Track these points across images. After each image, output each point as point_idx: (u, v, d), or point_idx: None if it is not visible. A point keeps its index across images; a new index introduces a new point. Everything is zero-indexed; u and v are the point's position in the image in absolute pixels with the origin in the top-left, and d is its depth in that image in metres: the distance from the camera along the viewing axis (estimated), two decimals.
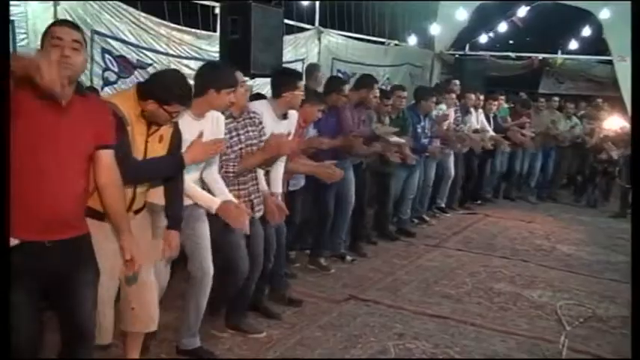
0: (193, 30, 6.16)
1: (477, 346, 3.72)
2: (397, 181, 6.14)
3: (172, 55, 5.84)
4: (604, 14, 9.22)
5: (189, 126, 2.94)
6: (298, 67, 7.41)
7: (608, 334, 4.04)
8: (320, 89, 5.16)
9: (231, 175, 3.35)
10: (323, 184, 4.56)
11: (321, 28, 8.05)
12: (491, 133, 7.64)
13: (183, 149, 2.85)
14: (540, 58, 11.12)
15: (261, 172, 3.63)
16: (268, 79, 4.60)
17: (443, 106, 7.00)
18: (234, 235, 3.36)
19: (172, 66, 5.59)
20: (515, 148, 8.22)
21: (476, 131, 7.46)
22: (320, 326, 3.89)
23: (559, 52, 11.18)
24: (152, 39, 5.67)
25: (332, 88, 4.94)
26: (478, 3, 10.25)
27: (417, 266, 5.34)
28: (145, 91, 2.62)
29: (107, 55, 5.30)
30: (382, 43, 9.79)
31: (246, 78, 3.73)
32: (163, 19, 5.88)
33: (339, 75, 7.80)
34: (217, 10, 5.96)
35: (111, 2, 5.26)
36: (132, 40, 5.48)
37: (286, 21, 6.29)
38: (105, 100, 2.68)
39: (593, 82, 11.26)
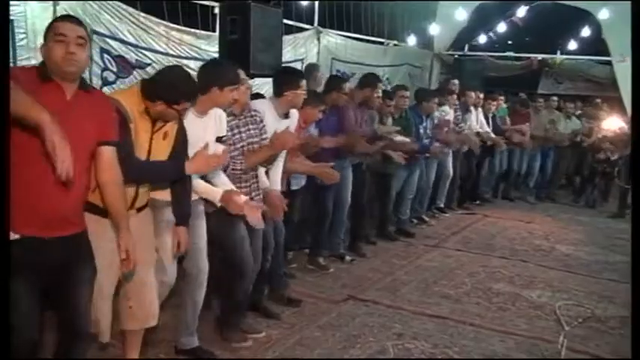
0: (193, 30, 6.15)
1: (476, 346, 3.73)
2: (397, 181, 6.14)
3: (172, 55, 5.82)
4: (603, 14, 9.21)
5: (193, 123, 2.95)
6: (297, 67, 7.40)
7: (607, 335, 4.04)
8: (319, 89, 5.16)
9: (239, 172, 3.36)
10: (322, 184, 4.56)
11: (320, 29, 8.04)
12: (491, 133, 7.65)
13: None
14: (539, 58, 11.11)
15: (262, 171, 3.63)
16: (267, 79, 4.62)
17: (446, 108, 7.01)
18: (237, 231, 3.37)
19: None
20: (514, 147, 8.23)
21: (477, 134, 7.48)
22: (319, 326, 3.90)
23: (558, 52, 11.17)
24: (151, 39, 5.66)
25: (332, 86, 4.94)
26: (477, 3, 10.23)
27: (416, 266, 5.35)
28: (152, 92, 2.61)
29: (106, 55, 5.29)
30: (381, 43, 9.78)
31: (246, 77, 3.73)
32: (163, 19, 5.86)
33: (345, 77, 7.78)
34: (217, 10, 5.96)
35: (110, 2, 5.24)
36: (131, 40, 5.47)
37: (285, 21, 6.28)
38: (108, 96, 2.68)
39: (592, 82, 11.24)
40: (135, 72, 5.50)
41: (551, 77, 12.15)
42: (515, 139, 8.03)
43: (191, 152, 2.90)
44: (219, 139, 3.18)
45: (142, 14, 5.59)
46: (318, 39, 8.00)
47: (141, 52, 5.56)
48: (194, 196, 3.10)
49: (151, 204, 2.91)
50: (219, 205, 3.13)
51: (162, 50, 5.76)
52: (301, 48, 7.68)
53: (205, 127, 3.08)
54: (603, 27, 9.50)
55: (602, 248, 6.35)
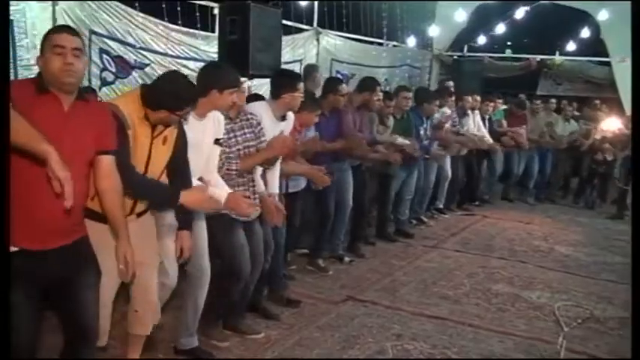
0: (192, 30, 6.16)
1: (475, 347, 3.72)
2: (396, 181, 6.15)
3: (171, 56, 5.83)
4: (602, 15, 9.23)
5: (192, 126, 2.95)
6: (296, 67, 7.40)
7: (606, 335, 4.04)
8: (318, 90, 5.16)
9: (234, 172, 3.35)
10: (316, 188, 4.55)
11: (320, 29, 8.05)
12: (487, 135, 7.65)
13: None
14: (538, 59, 11.12)
15: (258, 174, 3.62)
16: (266, 80, 4.61)
17: (446, 109, 7.02)
18: (237, 237, 3.37)
19: (171, 67, 5.59)
20: (511, 149, 8.24)
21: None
22: (318, 327, 3.89)
23: (557, 53, 11.18)
24: (150, 39, 5.66)
25: (329, 88, 4.93)
26: (476, 4, 10.25)
27: (415, 267, 5.34)
28: (153, 101, 2.60)
29: (105, 56, 5.29)
30: (381, 44, 9.80)
31: (244, 79, 3.72)
32: (162, 19, 5.87)
33: (338, 76, 7.79)
34: (216, 11, 5.96)
35: (109, 2, 5.25)
36: (130, 40, 5.47)
37: (284, 22, 6.28)
38: (106, 103, 2.67)
39: (591, 83, 11.26)
40: (134, 72, 5.50)
41: (550, 78, 12.18)
42: (509, 143, 8.05)
43: (191, 155, 2.89)
44: (217, 142, 3.18)
45: (141, 14, 5.60)
46: (318, 40, 8.01)
47: (140, 53, 5.57)
48: None
49: (153, 208, 2.91)
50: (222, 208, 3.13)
51: (161, 51, 5.77)
52: (300, 49, 7.68)
53: (204, 130, 3.08)
54: (602, 28, 9.53)
55: (601, 249, 6.35)
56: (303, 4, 7.94)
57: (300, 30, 7.82)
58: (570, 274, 5.36)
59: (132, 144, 2.56)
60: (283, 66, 5.42)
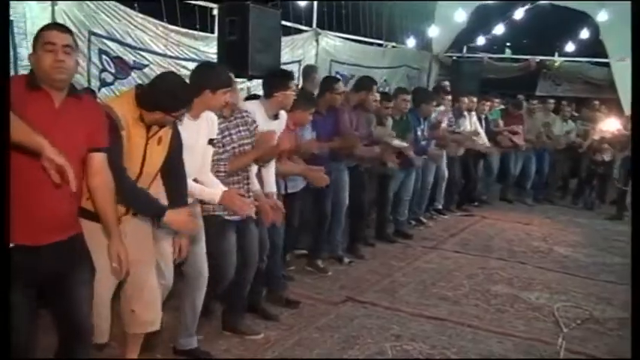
0: (191, 31, 6.16)
1: (474, 348, 3.72)
2: (394, 182, 6.15)
3: (170, 57, 5.83)
4: (601, 16, 9.24)
5: (186, 127, 2.94)
6: (295, 68, 7.41)
7: (605, 336, 4.04)
8: (317, 91, 5.16)
9: (222, 174, 3.34)
10: (313, 187, 4.55)
11: (319, 30, 8.05)
12: (484, 136, 7.66)
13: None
14: (537, 60, 11.13)
15: (253, 173, 3.62)
16: None
17: (442, 109, 7.03)
18: (226, 241, 3.37)
19: (170, 68, 5.59)
20: (508, 149, 8.25)
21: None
22: (317, 328, 3.89)
23: (556, 54, 11.19)
24: (149, 40, 5.66)
25: (325, 87, 4.94)
26: (476, 5, 10.26)
27: (415, 268, 5.34)
28: (149, 102, 2.59)
29: (104, 57, 5.29)
30: (380, 45, 9.80)
31: (239, 79, 3.71)
32: (161, 20, 5.87)
33: (338, 77, 7.79)
34: (215, 12, 5.96)
35: (108, 3, 5.25)
36: (129, 41, 5.47)
37: (284, 22, 6.28)
38: (101, 103, 2.67)
39: (590, 84, 11.28)
40: (133, 73, 5.50)
41: (549, 79, 12.18)
42: (505, 143, 8.05)
43: (185, 156, 2.89)
44: (210, 142, 3.18)
45: (140, 15, 5.60)
46: (317, 40, 8.01)
47: (138, 54, 5.57)
48: (190, 200, 3.09)
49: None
50: (218, 206, 3.12)
51: (160, 51, 5.77)
52: (299, 49, 7.69)
53: (198, 131, 3.08)
54: (601, 29, 9.53)
55: (600, 250, 6.35)
56: (302, 4, 7.94)
57: (300, 31, 7.83)
58: (569, 275, 5.36)
59: (126, 145, 2.56)
60: (282, 67, 5.42)
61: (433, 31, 10.51)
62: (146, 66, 5.59)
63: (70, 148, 2.19)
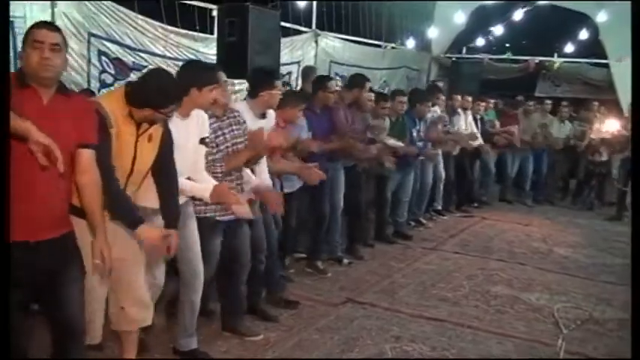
0: (190, 32, 6.16)
1: (474, 349, 3.72)
2: (392, 183, 6.14)
3: (169, 58, 5.83)
4: (600, 17, 9.24)
5: (177, 126, 2.94)
6: (294, 69, 7.41)
7: (605, 337, 4.04)
8: None
9: (219, 175, 3.35)
10: (316, 187, 4.55)
11: (318, 31, 8.05)
12: (477, 134, 7.66)
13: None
14: (537, 61, 11.13)
15: (246, 172, 3.62)
16: None
17: (436, 109, 7.02)
18: (209, 244, 3.35)
19: (170, 69, 5.58)
20: (504, 149, 8.25)
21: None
22: (317, 329, 3.89)
23: (555, 55, 11.20)
24: (149, 41, 5.66)
25: (318, 86, 4.94)
26: (475, 5, 10.27)
27: (414, 269, 5.34)
28: (139, 99, 2.59)
29: (104, 58, 5.30)
30: (379, 46, 9.80)
31: (239, 80, 3.71)
32: (160, 21, 5.87)
33: (337, 78, 7.79)
34: (215, 13, 5.96)
35: (107, 4, 5.25)
36: (128, 42, 5.47)
37: (283, 23, 6.28)
38: (90, 100, 2.67)
39: (590, 85, 11.26)
40: (132, 74, 5.50)
41: (548, 80, 12.17)
42: (501, 142, 8.05)
43: (177, 155, 2.89)
44: (202, 141, 3.18)
45: (140, 16, 5.60)
46: (316, 41, 8.01)
47: (138, 55, 5.56)
48: (183, 198, 3.10)
49: (141, 212, 2.90)
50: (209, 201, 3.13)
51: (159, 53, 5.77)
52: (299, 50, 7.68)
53: (188, 130, 3.08)
54: (601, 29, 9.53)
55: (600, 251, 6.34)
56: (302, 5, 7.94)
57: (299, 32, 7.83)
58: (569, 276, 5.36)
59: (116, 142, 2.56)
60: (282, 68, 5.42)
61: (432, 32, 10.52)
62: (145, 67, 5.58)
63: (59, 145, 2.19)
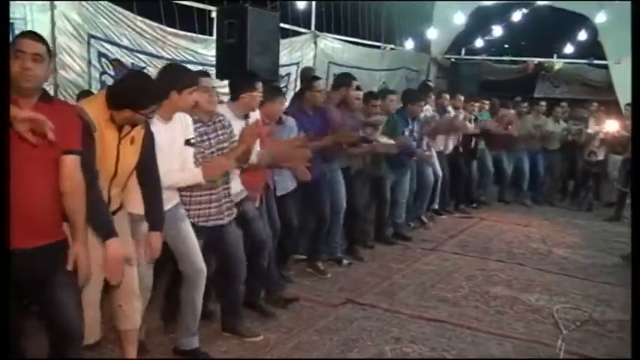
0: (189, 34, 6.16)
1: (474, 350, 3.72)
2: (388, 182, 6.13)
3: (168, 59, 5.83)
4: (599, 18, 9.25)
5: (159, 130, 2.95)
6: (293, 70, 7.42)
7: (605, 338, 4.03)
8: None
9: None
10: (316, 188, 4.54)
11: (317, 32, 8.06)
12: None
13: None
14: (536, 62, 11.15)
15: (234, 176, 3.61)
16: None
17: (428, 107, 7.01)
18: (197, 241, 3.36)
19: None
20: (499, 150, 8.25)
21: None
22: (317, 330, 3.89)
23: (554, 56, 11.21)
24: (148, 43, 5.67)
25: (305, 87, 4.94)
26: (475, 6, 10.28)
27: (414, 270, 5.34)
28: (117, 101, 2.60)
29: (103, 59, 5.30)
30: (378, 47, 9.81)
31: (212, 83, 3.68)
32: (159, 22, 5.87)
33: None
34: (214, 14, 5.97)
35: (107, 5, 5.25)
36: (127, 43, 5.48)
37: (282, 25, 6.28)
38: (73, 105, 2.68)
39: (589, 86, 11.27)
40: None
41: (547, 81, 12.19)
42: (499, 130, 8.03)
43: (160, 159, 2.90)
44: (187, 142, 3.18)
45: (139, 18, 5.60)
46: (315, 42, 8.01)
47: (136, 56, 5.57)
48: (173, 202, 3.12)
49: (129, 218, 2.92)
50: (204, 182, 3.14)
51: (158, 54, 5.77)
52: (298, 52, 7.69)
53: (173, 133, 3.08)
54: (600, 30, 9.54)
55: (599, 251, 6.34)
56: (301, 6, 7.95)
57: (298, 33, 7.83)
58: (569, 277, 5.36)
59: (99, 146, 2.57)
60: (281, 69, 5.42)
61: (432, 33, 10.54)
62: (144, 68, 5.59)
63: (43, 153, 2.19)
